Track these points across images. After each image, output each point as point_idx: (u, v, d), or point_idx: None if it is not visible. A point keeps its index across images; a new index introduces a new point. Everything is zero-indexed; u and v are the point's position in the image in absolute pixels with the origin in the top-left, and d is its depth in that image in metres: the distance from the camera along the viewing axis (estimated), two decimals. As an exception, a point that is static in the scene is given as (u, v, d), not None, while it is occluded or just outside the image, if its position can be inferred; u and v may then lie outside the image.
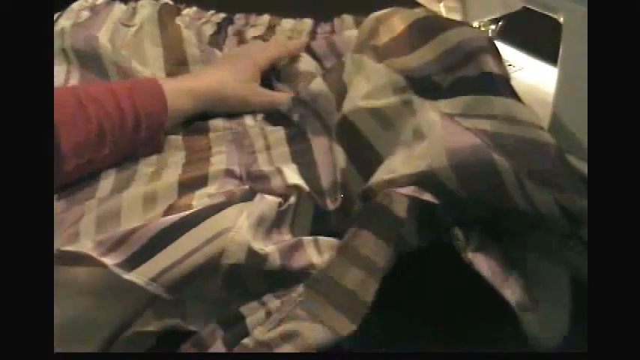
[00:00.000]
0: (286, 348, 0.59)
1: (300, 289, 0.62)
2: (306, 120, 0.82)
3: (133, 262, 0.61)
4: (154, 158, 0.80)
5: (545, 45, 0.82)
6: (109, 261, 0.61)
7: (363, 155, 0.73)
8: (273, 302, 0.63)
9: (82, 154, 0.74)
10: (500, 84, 0.70)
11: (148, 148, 0.80)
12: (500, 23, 0.83)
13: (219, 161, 0.77)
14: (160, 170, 0.77)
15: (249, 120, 0.85)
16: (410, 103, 0.72)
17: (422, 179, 0.66)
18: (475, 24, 0.83)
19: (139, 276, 0.60)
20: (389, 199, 0.64)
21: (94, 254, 0.61)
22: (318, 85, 0.81)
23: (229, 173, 0.74)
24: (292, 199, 0.69)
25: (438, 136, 0.67)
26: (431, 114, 0.70)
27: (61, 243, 0.66)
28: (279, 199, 0.69)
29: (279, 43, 0.95)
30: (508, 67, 0.79)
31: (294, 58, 0.93)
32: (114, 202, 0.71)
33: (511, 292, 0.61)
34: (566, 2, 0.64)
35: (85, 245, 0.63)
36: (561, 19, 0.66)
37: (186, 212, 0.64)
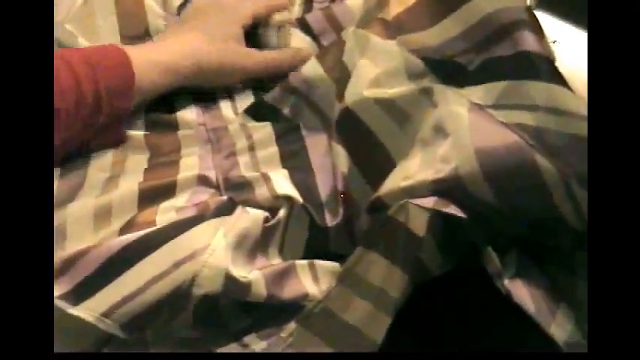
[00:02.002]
0: None
1: (292, 326, 0.52)
2: (299, 113, 0.67)
3: (81, 292, 0.51)
4: (108, 161, 0.64)
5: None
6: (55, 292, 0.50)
7: (371, 157, 0.62)
8: (257, 344, 0.52)
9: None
10: (543, 65, 0.58)
11: (105, 138, 0.63)
12: None
13: (190, 165, 0.63)
14: (115, 177, 0.62)
15: (227, 112, 0.69)
16: (429, 92, 0.60)
17: (446, 187, 0.54)
18: None
19: (87, 311, 0.50)
20: (405, 212, 0.53)
21: None
22: (312, 68, 0.67)
23: (203, 180, 0.61)
24: (282, 213, 0.58)
25: (465, 133, 0.56)
26: (456, 105, 0.58)
27: None
28: (266, 213, 0.57)
29: None
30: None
31: (282, 33, 0.76)
32: (56, 218, 0.57)
33: (560, 330, 0.52)
34: None
35: None
36: None
37: (148, 230, 0.52)
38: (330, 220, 0.60)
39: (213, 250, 0.51)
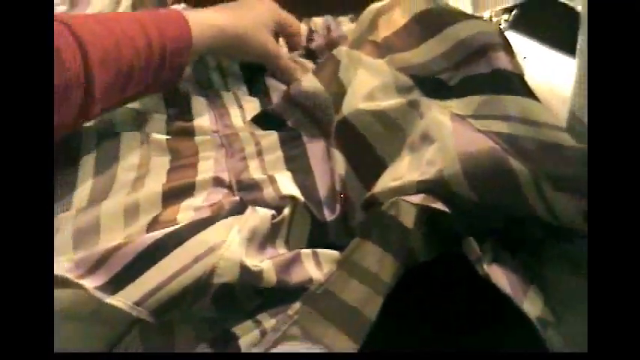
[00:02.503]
0: None
1: (297, 305, 0.57)
2: (300, 123, 0.74)
3: (116, 284, 0.56)
4: (134, 162, 0.71)
5: (554, 32, 0.77)
6: (89, 284, 0.55)
7: (365, 161, 0.67)
8: (268, 321, 0.57)
9: (110, 97, 0.68)
10: (514, 82, 0.65)
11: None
12: (513, 12, 0.78)
13: (206, 168, 0.70)
14: (141, 177, 0.69)
15: (237, 121, 0.76)
16: (416, 105, 0.66)
17: (431, 187, 0.60)
18: (486, 14, 0.78)
19: (122, 300, 0.55)
20: (396, 207, 0.58)
21: (72, 276, 0.56)
22: (311, 82, 0.73)
23: (218, 182, 0.67)
24: (286, 211, 0.63)
25: (448, 140, 0.62)
26: (440, 115, 0.64)
27: None
28: (273, 212, 0.63)
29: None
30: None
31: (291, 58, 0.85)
32: (91, 215, 0.65)
33: (532, 306, 0.56)
34: None
35: (62, 265, 0.58)
36: (579, 8, 0.60)
37: (171, 228, 0.58)
38: (328, 216, 0.65)
39: (229, 245, 0.57)
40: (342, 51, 0.72)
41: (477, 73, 0.67)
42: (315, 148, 0.72)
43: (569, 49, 0.67)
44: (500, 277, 0.56)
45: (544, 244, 0.61)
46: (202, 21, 0.73)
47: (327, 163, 0.70)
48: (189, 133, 0.74)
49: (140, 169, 0.71)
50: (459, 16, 0.71)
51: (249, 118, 0.76)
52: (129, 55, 0.66)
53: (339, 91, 0.71)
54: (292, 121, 0.73)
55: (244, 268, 0.56)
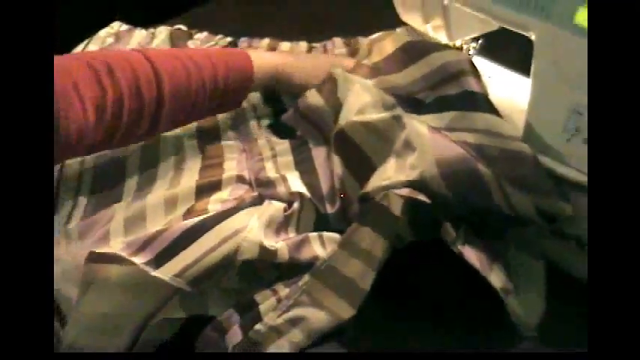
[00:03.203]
0: (294, 332, 0.63)
1: (306, 277, 0.66)
2: (307, 131, 0.84)
3: (159, 260, 0.64)
4: (172, 162, 0.82)
5: (513, 56, 0.84)
6: (138, 260, 0.64)
7: (359, 164, 0.76)
8: (282, 290, 0.66)
9: (171, 124, 0.79)
10: (481, 101, 0.74)
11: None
12: (480, 41, 0.86)
13: (231, 167, 0.79)
14: (178, 175, 0.79)
15: (254, 129, 0.87)
16: (399, 119, 0.74)
17: (415, 185, 0.69)
18: (458, 42, 0.85)
19: (164, 273, 0.64)
20: (387, 199, 0.67)
21: (124, 254, 0.64)
22: (315, 98, 0.83)
23: (240, 179, 0.77)
24: (296, 205, 0.72)
25: (427, 147, 0.70)
26: (419, 127, 0.73)
27: (92, 242, 0.71)
28: (284, 205, 0.72)
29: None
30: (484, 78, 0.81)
31: None
32: (139, 205, 0.74)
33: (496, 279, 0.65)
34: (537, 22, 0.67)
35: (116, 246, 0.66)
36: (532, 37, 0.69)
37: (204, 216, 0.67)
38: (329, 209, 0.74)
39: (251, 229, 0.66)
40: (338, 72, 0.81)
41: (449, 94, 0.75)
42: (318, 153, 0.80)
43: (526, 70, 0.73)
44: (471, 255, 0.65)
45: (505, 230, 0.69)
46: (262, 61, 0.82)
47: (328, 165, 0.78)
48: (217, 138, 0.85)
49: (176, 167, 0.80)
50: (436, 46, 0.79)
51: (263, 125, 0.86)
52: (196, 89, 0.76)
53: (336, 106, 0.79)
54: (301, 130, 0.83)
55: (263, 248, 0.65)
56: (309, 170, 0.79)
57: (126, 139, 0.76)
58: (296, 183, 0.75)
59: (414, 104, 0.76)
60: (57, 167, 0.83)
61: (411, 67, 0.80)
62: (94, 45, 1.05)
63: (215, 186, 0.76)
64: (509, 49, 0.82)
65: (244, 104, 0.89)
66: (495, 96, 0.74)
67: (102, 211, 0.75)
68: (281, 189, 0.74)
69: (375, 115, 0.75)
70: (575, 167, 0.68)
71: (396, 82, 0.80)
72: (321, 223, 0.74)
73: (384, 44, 0.84)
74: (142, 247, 0.65)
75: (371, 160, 0.75)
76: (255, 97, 0.92)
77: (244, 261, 0.65)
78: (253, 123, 0.88)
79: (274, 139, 0.84)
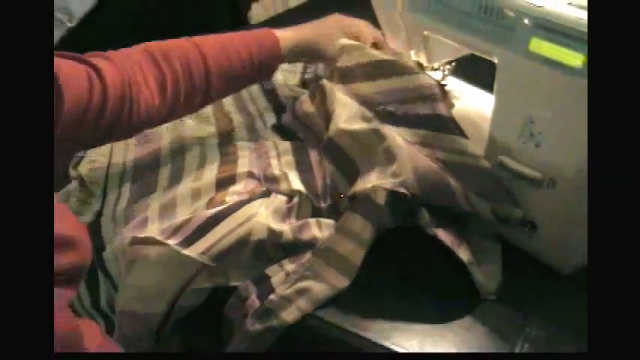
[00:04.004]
0: (301, 301, 0.73)
1: (309, 255, 0.76)
2: (304, 133, 0.94)
3: (188, 242, 0.74)
4: (196, 157, 0.92)
5: (480, 77, 0.91)
6: (171, 242, 0.74)
7: (346, 165, 0.85)
8: (289, 266, 0.76)
9: (220, 97, 0.89)
10: (450, 124, 0.80)
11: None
12: (453, 64, 0.94)
13: (243, 164, 0.89)
14: (201, 168, 0.89)
15: (262, 130, 0.97)
16: (377, 132, 0.82)
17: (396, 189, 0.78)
18: (436, 65, 0.94)
19: (192, 251, 0.74)
20: (373, 191, 0.77)
21: (161, 238, 0.75)
22: (308, 107, 0.92)
23: (251, 175, 0.87)
24: (295, 200, 0.82)
25: (406, 158, 0.79)
26: (398, 139, 0.81)
27: (134, 227, 0.80)
28: (287, 198, 0.82)
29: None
30: (457, 95, 0.89)
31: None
32: (170, 195, 0.84)
33: (464, 254, 0.75)
34: (499, 50, 0.75)
35: (153, 231, 0.76)
36: (496, 61, 0.76)
37: (223, 206, 0.78)
38: (322, 204, 0.84)
39: (260, 215, 0.77)
40: (325, 84, 0.90)
41: (422, 113, 0.82)
42: (313, 154, 0.90)
43: (490, 88, 0.79)
44: (443, 236, 0.76)
45: (468, 221, 0.79)
46: (286, 36, 0.92)
47: (321, 167, 0.88)
48: (233, 138, 0.96)
49: (200, 162, 0.91)
50: (413, 70, 0.84)
51: (269, 125, 0.97)
52: (237, 68, 0.85)
53: (325, 114, 0.89)
54: (300, 132, 0.94)
55: (270, 230, 0.76)
56: (307, 170, 0.88)
57: (184, 112, 0.86)
58: (295, 181, 0.84)
59: (387, 115, 0.84)
60: (105, 162, 0.93)
61: (384, 80, 0.86)
62: None
63: (231, 180, 0.86)
64: (477, 70, 0.89)
65: (252, 109, 1.00)
66: (466, 108, 0.82)
67: (141, 200, 0.85)
68: (284, 185, 0.84)
69: (357, 126, 0.84)
70: (528, 164, 0.76)
71: (365, 92, 0.87)
72: (316, 215, 0.83)
73: (360, 53, 0.89)
74: (174, 231, 0.75)
75: (355, 162, 0.84)
76: (261, 103, 1.03)
77: (256, 241, 0.75)
78: (261, 125, 0.99)
79: (278, 139, 0.94)
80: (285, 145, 0.93)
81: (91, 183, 0.91)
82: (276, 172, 0.87)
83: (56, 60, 0.71)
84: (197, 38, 0.85)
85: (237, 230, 0.75)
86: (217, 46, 0.85)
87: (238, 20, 1.63)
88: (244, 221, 0.76)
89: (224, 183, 0.86)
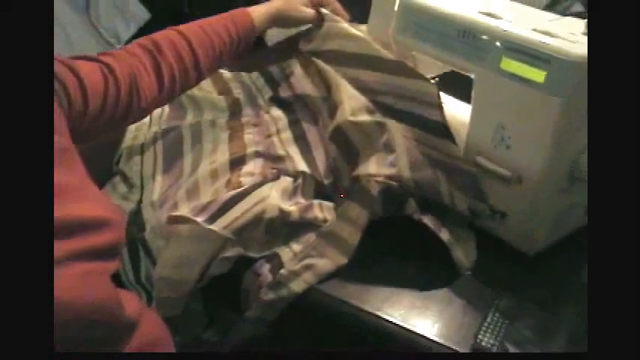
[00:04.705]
0: (307, 274, 0.81)
1: (314, 237, 0.84)
2: (301, 110, 1.02)
3: (213, 218, 0.83)
4: (211, 139, 1.02)
5: (460, 90, 0.94)
6: (199, 219, 0.83)
7: (350, 153, 0.93)
8: (296, 246, 0.85)
9: (211, 72, 0.97)
10: (443, 129, 0.87)
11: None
12: (437, 79, 1.01)
13: (249, 141, 0.99)
14: (215, 150, 0.99)
15: (262, 103, 1.07)
16: (380, 124, 0.90)
17: (392, 178, 0.87)
18: None
19: (216, 226, 0.82)
20: (368, 183, 0.85)
21: (190, 216, 0.83)
22: (307, 86, 1.02)
23: (257, 154, 0.95)
24: (300, 180, 0.91)
25: (403, 152, 0.87)
26: (397, 134, 0.88)
27: (167, 209, 0.88)
28: (292, 179, 0.90)
29: None
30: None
31: None
32: (193, 179, 0.93)
33: (445, 236, 0.84)
34: (475, 67, 0.83)
35: (184, 211, 0.85)
36: (473, 76, 0.84)
37: (241, 189, 0.86)
38: (325, 181, 0.93)
39: (272, 197, 0.85)
40: (322, 64, 0.98)
41: (420, 114, 0.88)
42: (311, 133, 0.99)
43: (468, 99, 0.86)
44: (427, 220, 0.85)
45: (446, 212, 0.88)
46: (258, 11, 1.00)
47: (322, 147, 0.96)
48: (239, 114, 1.05)
49: (214, 140, 1.00)
50: (418, 75, 0.88)
51: (266, 98, 1.08)
52: (219, 46, 0.94)
53: (325, 97, 0.97)
54: (296, 107, 1.02)
55: (281, 209, 0.84)
56: (307, 150, 0.96)
57: (182, 90, 0.95)
58: (300, 162, 0.93)
59: (386, 108, 0.92)
60: (139, 159, 1.01)
61: (386, 75, 0.91)
62: None
63: (242, 160, 0.95)
64: (458, 84, 0.94)
65: (249, 82, 1.09)
66: (448, 116, 0.89)
67: (171, 187, 0.94)
68: (289, 165, 0.92)
69: (362, 118, 0.91)
70: (499, 164, 0.83)
71: (366, 79, 0.93)
72: (319, 191, 0.92)
73: (370, 44, 0.94)
74: (201, 210, 0.84)
75: (357, 150, 0.92)
76: (259, 81, 1.11)
77: (268, 219, 0.84)
78: (259, 98, 1.06)
79: (275, 113, 1.03)
80: (284, 121, 1.02)
81: (131, 177, 1.00)
82: (280, 151, 0.96)
83: (76, 62, 0.80)
84: (181, 27, 0.94)
85: (253, 209, 0.84)
86: (199, 31, 0.94)
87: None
88: (259, 201, 0.85)
89: (236, 162, 0.95)
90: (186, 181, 0.94)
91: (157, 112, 1.10)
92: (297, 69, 1.05)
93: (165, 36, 0.92)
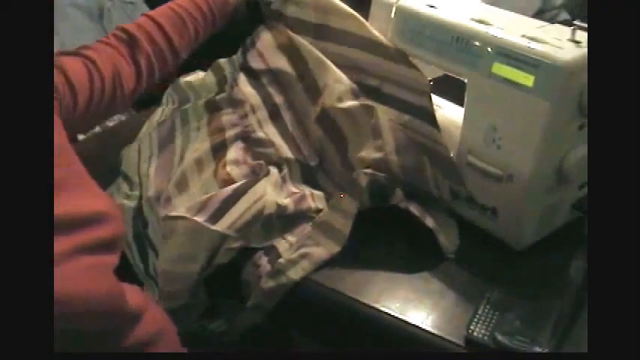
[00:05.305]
0: (304, 262, 0.83)
1: (308, 227, 0.87)
2: (270, 84, 0.97)
3: (214, 218, 0.84)
4: (196, 125, 0.98)
5: (453, 93, 0.97)
6: (199, 219, 0.83)
7: (337, 137, 0.95)
8: (291, 237, 0.87)
9: (187, 49, 0.95)
10: (430, 117, 0.90)
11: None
12: (431, 82, 1.00)
13: (227, 122, 0.95)
14: (196, 137, 0.96)
15: (236, 74, 1.00)
16: (367, 107, 0.91)
17: (379, 162, 0.89)
18: None
19: (219, 226, 0.83)
20: (358, 175, 0.87)
21: (189, 216, 0.84)
22: (280, 61, 0.97)
23: (237, 137, 0.94)
24: (285, 169, 0.92)
25: (390, 136, 0.89)
26: (383, 118, 0.90)
27: (162, 206, 0.89)
28: (278, 170, 0.91)
29: None
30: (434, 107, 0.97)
31: None
32: (181, 170, 0.92)
33: (430, 222, 0.87)
34: (467, 72, 0.85)
35: (177, 204, 0.85)
36: (466, 80, 0.86)
37: (235, 186, 0.87)
38: (312, 163, 0.94)
39: (269, 194, 0.86)
40: (299, 39, 0.95)
41: (409, 101, 0.90)
42: (284, 111, 0.97)
43: (461, 102, 0.88)
44: (413, 208, 0.87)
45: (430, 199, 0.91)
46: None
47: (296, 123, 0.96)
48: (222, 92, 1.01)
49: (196, 133, 0.98)
50: (413, 65, 0.90)
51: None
52: (193, 25, 0.94)
53: (304, 76, 0.94)
54: (265, 80, 0.98)
55: (277, 204, 0.86)
56: (285, 130, 0.96)
57: (162, 75, 0.94)
58: (281, 144, 0.94)
59: (372, 91, 0.92)
60: (136, 156, 1.01)
61: (380, 58, 0.91)
62: None
63: (223, 145, 0.93)
64: (451, 88, 0.96)
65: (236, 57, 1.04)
66: (442, 118, 0.92)
67: (164, 180, 0.93)
68: (272, 151, 0.92)
69: (349, 103, 0.92)
70: (491, 163, 0.85)
71: (356, 57, 0.93)
72: (306, 172, 0.95)
73: (360, 23, 0.93)
74: (199, 209, 0.84)
75: (346, 135, 0.93)
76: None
77: (267, 214, 0.85)
78: (235, 74, 1.01)
79: (246, 89, 0.97)
80: (256, 98, 0.97)
81: (131, 175, 1.00)
82: (260, 134, 0.95)
83: (60, 58, 0.80)
84: (152, 12, 0.93)
85: (253, 207, 0.85)
86: (171, 13, 0.93)
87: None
88: (258, 199, 0.86)
89: (218, 149, 0.94)
90: (175, 173, 0.94)
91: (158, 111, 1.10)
92: (266, 36, 1.00)
93: (138, 25, 0.91)
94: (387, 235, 0.92)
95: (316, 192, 0.93)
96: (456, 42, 0.85)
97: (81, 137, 1.31)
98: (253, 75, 0.98)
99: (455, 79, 0.89)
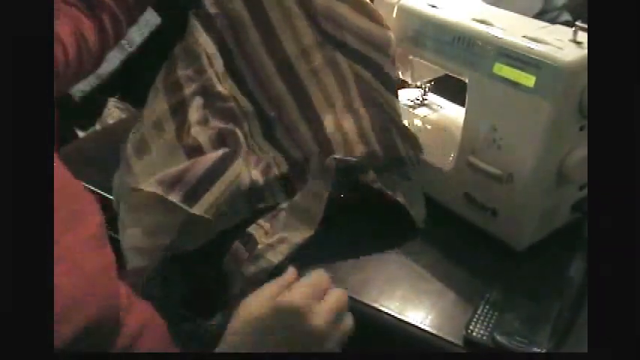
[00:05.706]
0: (282, 246, 0.84)
1: (283, 213, 0.87)
2: (225, 30, 0.90)
3: (191, 198, 0.82)
4: (158, 86, 0.91)
5: (454, 93, 0.98)
6: (174, 198, 0.81)
7: (300, 90, 0.92)
8: (265, 224, 0.87)
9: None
10: (392, 85, 0.91)
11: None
12: (432, 83, 1.03)
13: (183, 77, 0.88)
14: (155, 97, 0.90)
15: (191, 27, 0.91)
16: (333, 61, 0.92)
17: (356, 135, 0.90)
18: (418, 83, 1.02)
19: (197, 209, 0.82)
20: (329, 161, 0.87)
21: (160, 192, 0.81)
22: (237, 4, 0.90)
23: (195, 93, 0.88)
24: (246, 126, 0.91)
25: (355, 92, 0.91)
26: (349, 72, 0.91)
27: (123, 171, 0.87)
28: (240, 128, 0.90)
29: None
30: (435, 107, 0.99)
31: None
32: (140, 133, 0.89)
33: (400, 198, 0.89)
34: (468, 72, 0.85)
35: (150, 185, 0.82)
36: (467, 80, 0.86)
37: (212, 162, 0.84)
38: (270, 112, 0.92)
39: (242, 170, 0.85)
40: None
41: (373, 60, 0.90)
42: (239, 60, 0.91)
43: (462, 102, 0.87)
44: (385, 187, 0.88)
45: (395, 182, 0.91)
46: None
47: (252, 74, 0.91)
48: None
49: (156, 90, 0.91)
50: (386, 25, 0.90)
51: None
52: None
53: (263, 21, 0.89)
54: (221, 25, 0.90)
55: (251, 179, 0.86)
56: (243, 84, 0.92)
57: (119, 37, 0.88)
58: (242, 99, 0.91)
59: (338, 44, 0.91)
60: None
61: (354, 13, 0.90)
62: None
63: (182, 103, 0.88)
64: (452, 88, 0.96)
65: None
66: (443, 118, 0.93)
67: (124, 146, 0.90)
68: (232, 105, 0.90)
69: (317, 61, 0.91)
70: (491, 164, 0.85)
71: (326, 5, 0.90)
72: (265, 126, 0.93)
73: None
74: (173, 184, 0.81)
75: (307, 90, 0.92)
76: None
77: (244, 190, 0.85)
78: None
79: (201, 37, 0.89)
80: (212, 47, 0.90)
81: None
82: (220, 88, 0.90)
83: None
84: None
85: (233, 184, 0.84)
86: None
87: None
88: (235, 178, 0.85)
89: (177, 109, 0.88)
90: (132, 138, 0.90)
91: None
92: None
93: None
94: (353, 219, 0.93)
95: (278, 156, 0.91)
96: (458, 42, 0.85)
97: (81, 135, 1.30)
98: (209, 20, 0.90)
99: (456, 79, 0.89)
